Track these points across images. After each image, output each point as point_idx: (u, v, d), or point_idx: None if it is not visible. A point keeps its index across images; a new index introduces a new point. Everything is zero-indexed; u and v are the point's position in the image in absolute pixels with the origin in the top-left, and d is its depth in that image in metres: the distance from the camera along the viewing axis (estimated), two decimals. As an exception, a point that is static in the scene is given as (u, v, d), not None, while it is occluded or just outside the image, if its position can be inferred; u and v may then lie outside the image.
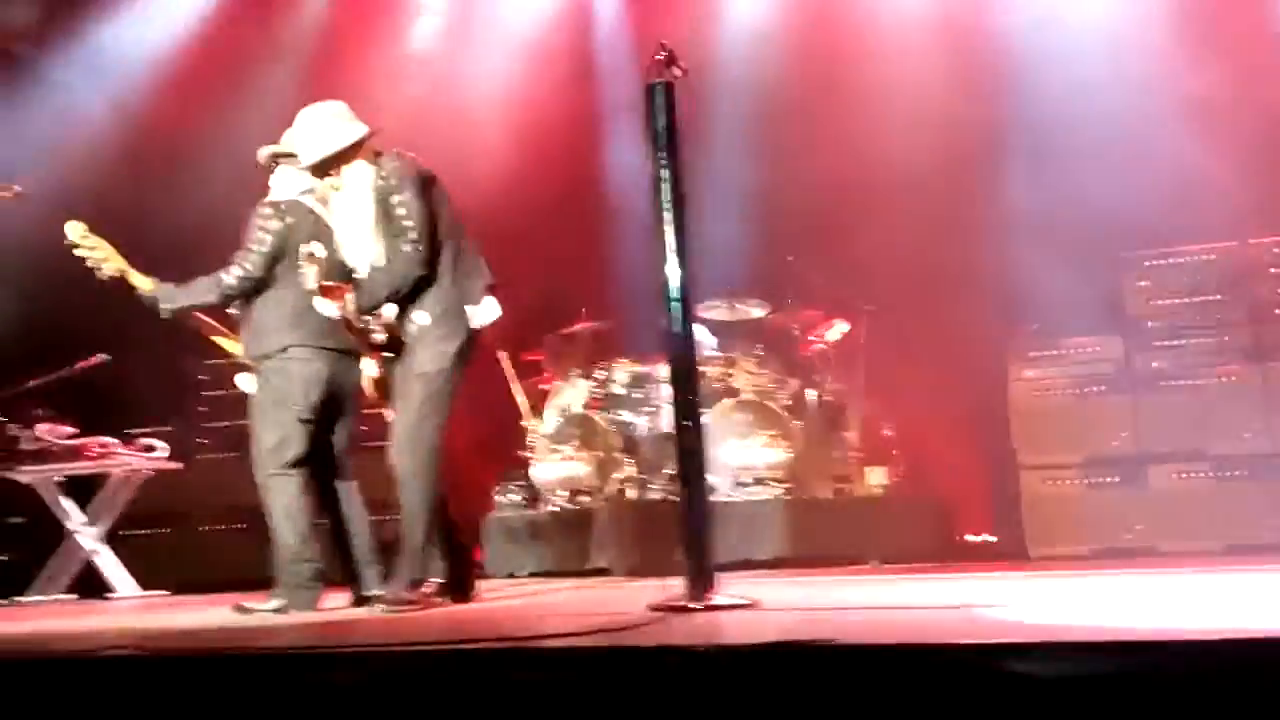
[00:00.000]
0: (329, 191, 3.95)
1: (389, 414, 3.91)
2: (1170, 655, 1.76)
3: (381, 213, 3.72)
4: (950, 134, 6.32)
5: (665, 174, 3.04)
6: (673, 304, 3.06)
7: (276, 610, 3.87)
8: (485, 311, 3.83)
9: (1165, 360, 5.52)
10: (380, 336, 3.84)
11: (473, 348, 3.83)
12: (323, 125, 3.84)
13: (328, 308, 3.84)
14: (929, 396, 6.40)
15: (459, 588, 3.99)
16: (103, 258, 4.03)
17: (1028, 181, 6.03)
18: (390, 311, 3.80)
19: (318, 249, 3.86)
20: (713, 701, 1.91)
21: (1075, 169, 5.89)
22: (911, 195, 6.34)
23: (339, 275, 3.88)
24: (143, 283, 4.06)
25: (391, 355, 3.86)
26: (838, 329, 6.52)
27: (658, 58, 3.05)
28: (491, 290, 3.87)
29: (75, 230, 4.04)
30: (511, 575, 6.19)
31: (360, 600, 4.06)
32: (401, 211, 3.69)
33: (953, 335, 6.26)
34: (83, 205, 4.54)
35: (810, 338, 6.57)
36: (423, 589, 3.76)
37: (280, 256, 3.98)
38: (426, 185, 3.79)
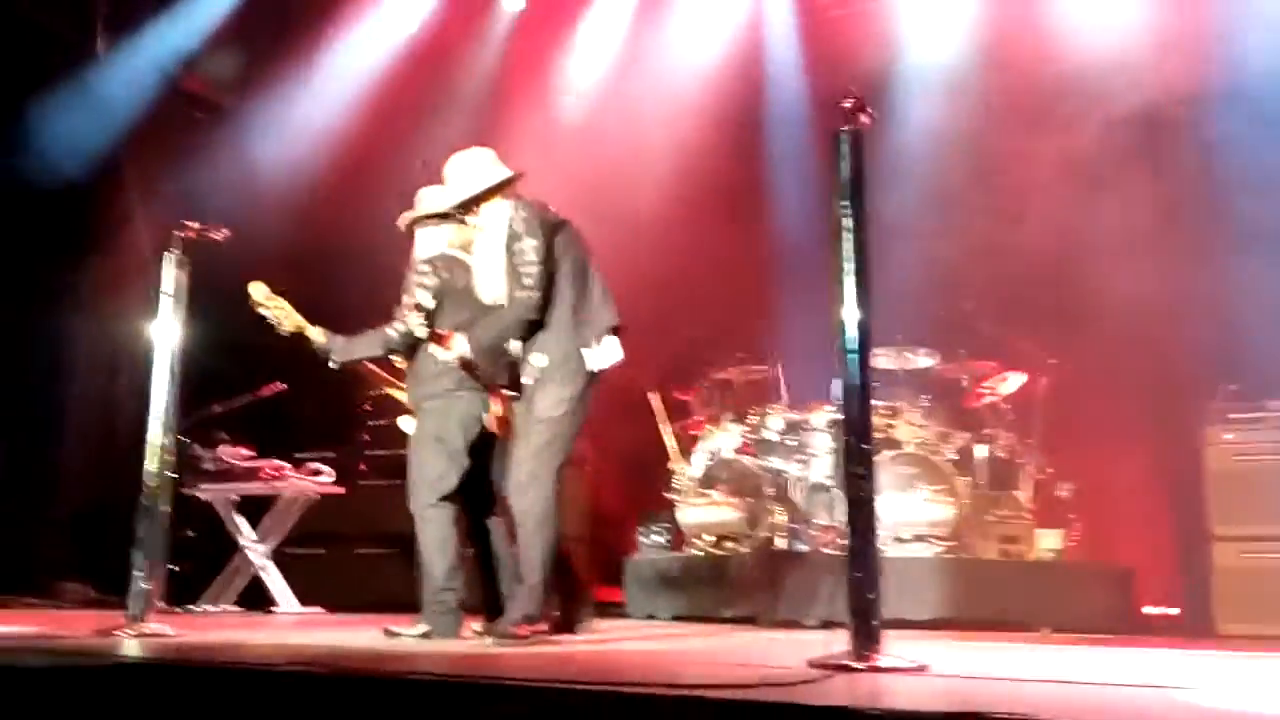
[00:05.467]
0: (471, 235, 4.10)
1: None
2: None
3: (508, 256, 3.85)
4: (1148, 180, 5.97)
5: (848, 223, 2.97)
6: (849, 354, 2.97)
7: (421, 636, 4.01)
8: (606, 354, 3.89)
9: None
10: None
11: (591, 390, 3.88)
12: (469, 169, 4.07)
13: (442, 353, 4.01)
14: (1111, 457, 6.02)
15: (566, 625, 4.02)
16: (283, 315, 4.32)
17: (1235, 231, 5.62)
18: (515, 349, 3.91)
19: (424, 298, 4.06)
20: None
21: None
22: (1104, 245, 6.02)
23: (472, 313, 4.04)
24: (316, 336, 4.33)
25: (514, 395, 3.97)
26: (1012, 381, 6.23)
27: (845, 105, 2.98)
28: (616, 332, 3.92)
29: (259, 291, 4.35)
30: (651, 617, 6.15)
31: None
32: (523, 257, 3.81)
33: (1141, 392, 5.88)
34: (276, 247, 4.83)
35: (981, 390, 6.30)
36: (536, 626, 3.78)
37: (438, 310, 4.16)
38: (554, 231, 3.90)
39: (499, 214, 3.94)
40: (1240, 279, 5.48)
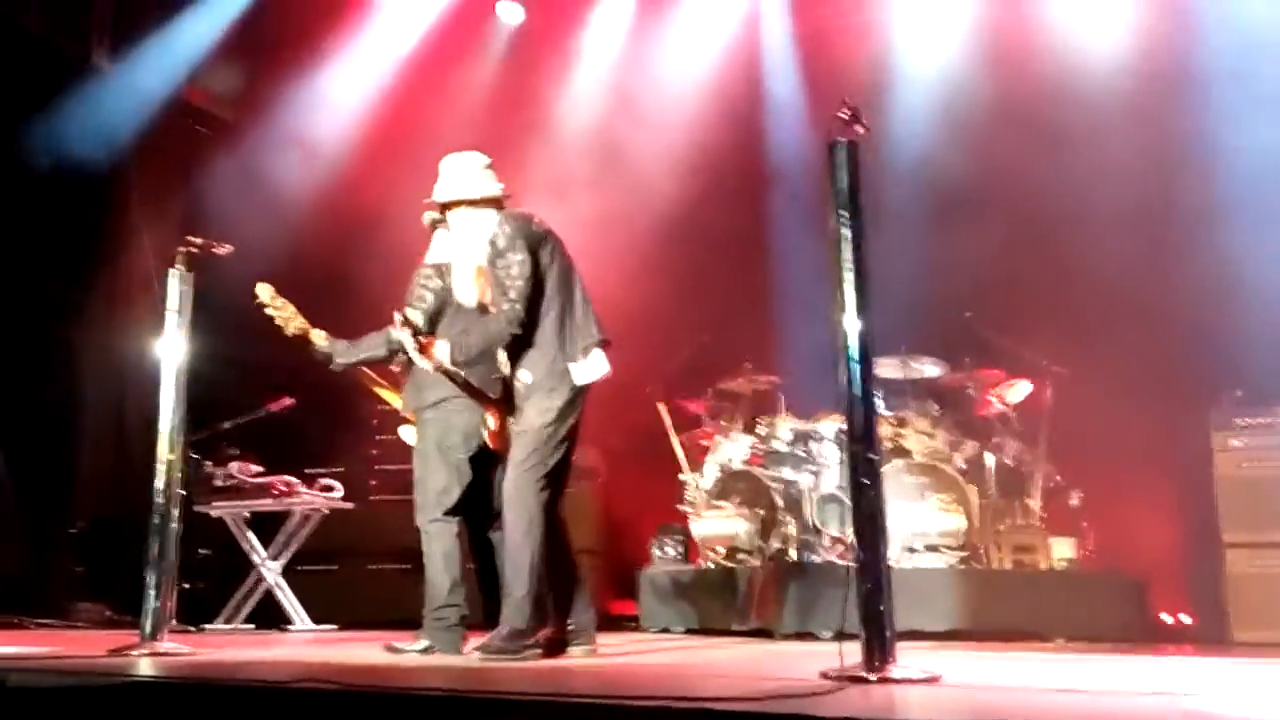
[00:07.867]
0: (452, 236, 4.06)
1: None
2: None
3: (492, 270, 3.83)
4: (1151, 185, 5.96)
5: (846, 233, 2.98)
6: (850, 363, 2.96)
7: (423, 651, 4.00)
8: (591, 368, 3.86)
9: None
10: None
11: (579, 403, 3.86)
12: (461, 172, 4.02)
13: (420, 360, 3.95)
14: (1122, 464, 5.99)
15: (565, 641, 3.96)
16: (288, 317, 4.31)
17: (1238, 233, 5.60)
18: (504, 365, 3.89)
19: (413, 315, 4.03)
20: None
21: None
22: (1106, 251, 6.01)
23: (466, 324, 4.01)
24: (319, 340, 4.32)
25: (509, 411, 3.94)
26: (1019, 389, 6.21)
27: (840, 115, 2.99)
28: (604, 346, 3.88)
29: (265, 292, 4.35)
30: (665, 630, 6.12)
31: None
32: (508, 272, 3.78)
33: (1150, 400, 5.86)
34: (278, 261, 4.85)
35: (988, 398, 6.28)
36: (526, 640, 3.73)
37: (440, 314, 4.15)
38: (539, 244, 3.86)
39: (482, 224, 3.91)
40: (1246, 284, 5.46)
